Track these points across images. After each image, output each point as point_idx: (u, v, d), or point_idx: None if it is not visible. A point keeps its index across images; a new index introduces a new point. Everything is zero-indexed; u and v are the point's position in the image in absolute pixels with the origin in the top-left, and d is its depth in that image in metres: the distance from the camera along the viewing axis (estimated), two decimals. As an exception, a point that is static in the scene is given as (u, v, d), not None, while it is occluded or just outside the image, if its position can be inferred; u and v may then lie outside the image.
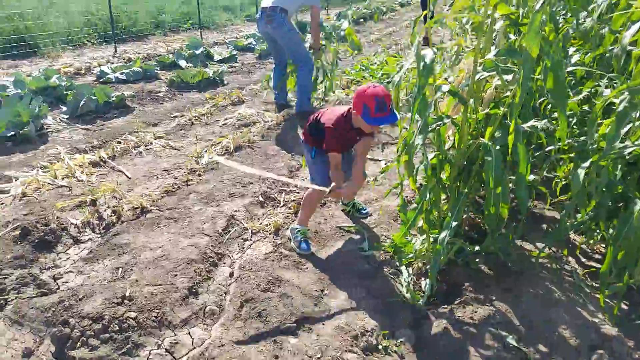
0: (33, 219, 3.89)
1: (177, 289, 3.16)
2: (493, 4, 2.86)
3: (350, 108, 3.44)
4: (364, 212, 4.27)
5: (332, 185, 3.48)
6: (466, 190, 3.23)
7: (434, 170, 3.20)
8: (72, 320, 2.83)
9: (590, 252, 3.62)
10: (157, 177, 5.01)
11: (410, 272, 3.41)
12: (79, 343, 2.72)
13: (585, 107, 3.50)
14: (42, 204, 4.22)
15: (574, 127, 3.47)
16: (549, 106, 3.56)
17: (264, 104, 7.81)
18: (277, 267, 3.47)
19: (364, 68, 9.70)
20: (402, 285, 3.32)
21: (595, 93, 3.28)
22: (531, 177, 3.31)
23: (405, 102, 5.89)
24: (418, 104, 2.84)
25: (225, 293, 3.25)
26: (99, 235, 3.95)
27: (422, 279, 3.37)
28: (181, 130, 6.59)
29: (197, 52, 11.20)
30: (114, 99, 7.34)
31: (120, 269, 3.40)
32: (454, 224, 2.98)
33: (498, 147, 2.90)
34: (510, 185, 3.01)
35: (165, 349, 2.72)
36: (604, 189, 2.90)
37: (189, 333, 2.86)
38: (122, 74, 9.23)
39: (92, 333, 2.76)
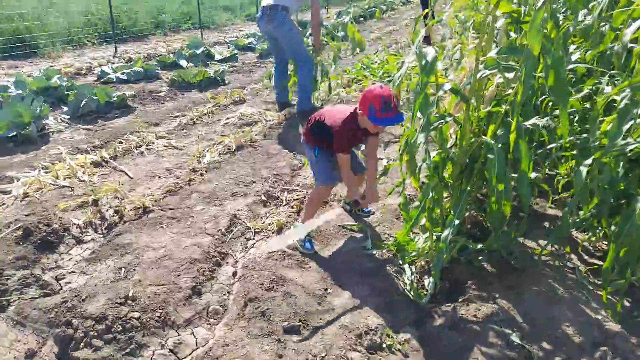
0: (35, 219, 3.89)
1: (180, 288, 3.16)
2: (494, 2, 2.86)
3: (356, 108, 3.46)
4: (366, 210, 4.27)
5: (359, 195, 3.69)
6: (468, 188, 3.23)
7: (436, 168, 3.20)
8: (75, 321, 2.83)
9: (592, 249, 3.62)
10: (159, 177, 5.01)
11: (413, 270, 3.42)
12: (82, 344, 2.71)
13: (587, 105, 3.50)
14: (44, 205, 4.22)
15: (576, 124, 3.47)
16: (550, 104, 3.56)
17: (266, 103, 7.81)
18: (281, 266, 3.47)
19: (364, 67, 9.70)
20: (405, 283, 3.32)
21: (597, 90, 3.28)
22: (533, 175, 3.32)
23: (406, 100, 5.89)
24: (420, 102, 2.84)
25: (228, 292, 3.25)
26: (101, 236, 3.95)
27: (425, 277, 3.37)
28: (183, 129, 6.59)
29: (198, 51, 11.21)
30: (115, 99, 7.35)
31: (123, 269, 3.40)
32: (457, 222, 2.98)
33: (500, 145, 2.91)
34: (512, 183, 3.01)
35: (169, 349, 2.72)
36: (606, 186, 2.90)
37: (193, 333, 2.86)
38: (123, 74, 9.24)
39: (96, 333, 2.75)
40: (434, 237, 3.32)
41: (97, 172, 5.08)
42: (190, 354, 2.70)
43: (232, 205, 4.36)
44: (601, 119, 2.94)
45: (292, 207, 4.41)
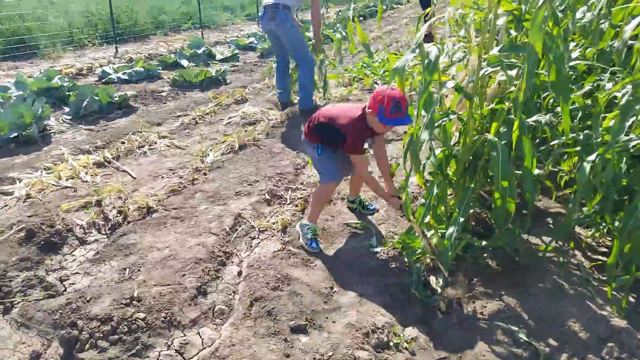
0: (38, 220, 3.89)
1: (185, 288, 3.16)
2: (496, 0, 2.87)
3: (364, 107, 3.48)
4: (371, 208, 4.27)
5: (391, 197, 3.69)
6: (472, 185, 3.23)
7: (440, 165, 3.20)
8: (80, 322, 2.83)
9: (596, 245, 3.62)
10: (163, 177, 5.01)
11: (419, 268, 3.41)
12: (87, 345, 2.71)
13: (588, 102, 3.50)
14: (47, 206, 4.21)
15: (577, 121, 3.47)
16: (552, 101, 3.56)
17: (268, 102, 7.80)
18: (286, 265, 3.47)
19: (365, 65, 9.69)
20: (411, 281, 3.32)
21: (598, 87, 3.29)
22: (536, 172, 3.32)
23: (409, 98, 5.89)
24: (424, 100, 2.85)
25: (234, 292, 3.25)
26: (105, 236, 3.95)
27: (431, 274, 3.37)
28: (185, 129, 6.59)
29: (199, 51, 11.21)
30: (116, 99, 7.35)
31: (128, 269, 3.40)
32: (461, 219, 2.99)
33: (503, 142, 2.91)
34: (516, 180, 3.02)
35: (175, 350, 2.72)
36: (609, 183, 2.91)
37: (199, 333, 2.86)
38: (124, 74, 9.24)
39: (101, 335, 2.75)
40: (439, 235, 3.32)
41: (100, 172, 5.07)
42: (196, 354, 2.70)
43: (236, 205, 4.36)
44: (603, 115, 2.94)
45: (297, 205, 4.41)
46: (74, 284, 3.33)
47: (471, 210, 3.66)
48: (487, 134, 3.14)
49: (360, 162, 3.57)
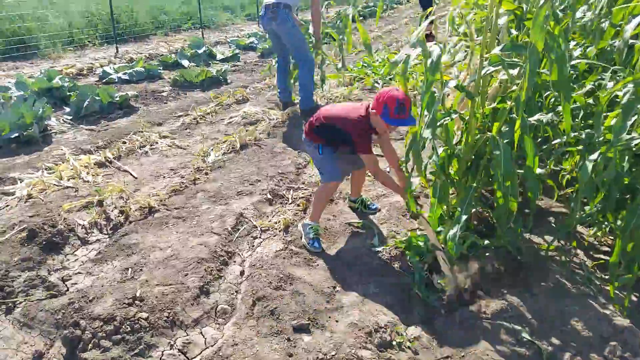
0: (39, 220, 3.89)
1: (188, 288, 3.16)
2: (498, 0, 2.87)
3: (368, 107, 3.49)
4: (373, 207, 4.27)
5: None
6: (475, 184, 3.23)
7: (442, 164, 3.20)
8: (83, 322, 2.83)
9: (598, 244, 3.62)
10: (164, 177, 5.01)
11: (422, 267, 3.41)
12: (90, 345, 2.71)
13: (590, 101, 3.50)
14: (48, 206, 4.22)
15: (579, 120, 3.47)
16: (553, 100, 3.56)
17: (268, 102, 7.81)
18: (288, 264, 3.47)
19: (366, 65, 9.69)
20: (414, 280, 3.32)
21: (599, 86, 3.29)
22: (539, 171, 3.32)
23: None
24: (427, 100, 2.85)
25: (236, 292, 3.25)
26: (107, 236, 3.95)
27: (434, 274, 3.37)
28: (186, 129, 6.59)
29: (200, 51, 11.21)
30: (117, 99, 7.35)
31: (130, 269, 3.40)
32: (464, 218, 2.99)
33: (505, 141, 2.91)
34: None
35: (178, 349, 2.72)
36: (611, 181, 2.91)
37: (202, 333, 2.86)
38: (125, 74, 9.24)
39: (104, 334, 2.76)
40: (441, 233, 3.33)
41: (101, 172, 5.07)
42: (199, 353, 2.70)
43: (238, 204, 4.36)
44: (605, 114, 2.94)
45: (298, 205, 4.41)
46: (76, 283, 3.33)
47: (473, 210, 3.66)
48: (489, 132, 3.14)
49: (369, 161, 3.57)
